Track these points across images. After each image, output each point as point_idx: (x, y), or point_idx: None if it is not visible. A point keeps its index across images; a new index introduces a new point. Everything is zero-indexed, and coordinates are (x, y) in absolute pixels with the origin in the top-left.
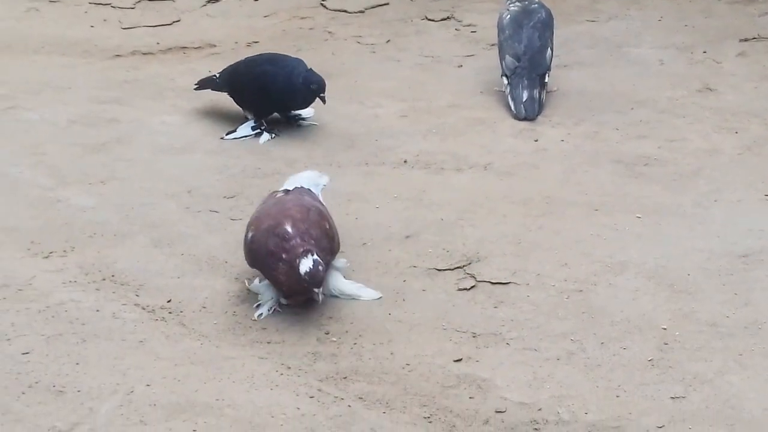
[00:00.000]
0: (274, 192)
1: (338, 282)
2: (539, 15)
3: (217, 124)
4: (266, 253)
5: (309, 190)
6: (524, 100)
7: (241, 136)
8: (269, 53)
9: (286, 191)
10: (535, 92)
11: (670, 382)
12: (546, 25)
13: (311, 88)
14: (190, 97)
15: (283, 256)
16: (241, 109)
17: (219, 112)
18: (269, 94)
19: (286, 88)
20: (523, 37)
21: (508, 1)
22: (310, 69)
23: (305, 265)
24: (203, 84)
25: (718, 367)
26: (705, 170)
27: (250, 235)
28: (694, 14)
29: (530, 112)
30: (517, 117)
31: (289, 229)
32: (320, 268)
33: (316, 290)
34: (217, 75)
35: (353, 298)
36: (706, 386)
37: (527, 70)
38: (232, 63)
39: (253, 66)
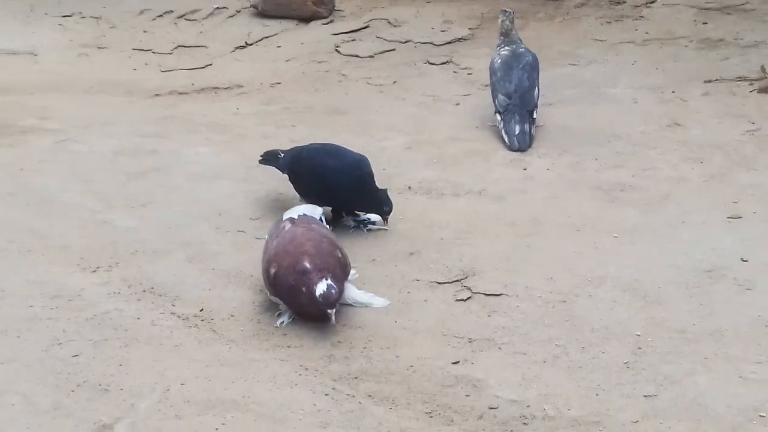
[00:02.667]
0: (280, 221)
1: (351, 292)
2: (527, 58)
3: (244, 154)
4: (288, 286)
5: (313, 218)
6: (516, 133)
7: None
8: (332, 145)
9: (292, 219)
10: (526, 126)
11: (643, 382)
12: (533, 68)
13: (384, 210)
14: (220, 131)
15: (303, 289)
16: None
17: (244, 144)
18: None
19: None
20: (513, 77)
21: (499, 47)
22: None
23: (320, 288)
24: (267, 158)
25: (686, 369)
26: (674, 196)
27: (272, 271)
28: (664, 59)
29: (522, 145)
30: (511, 149)
31: (308, 265)
32: (333, 291)
33: (329, 311)
34: (281, 153)
35: (365, 306)
36: (675, 386)
37: (518, 107)
38: (297, 146)
39: (315, 156)
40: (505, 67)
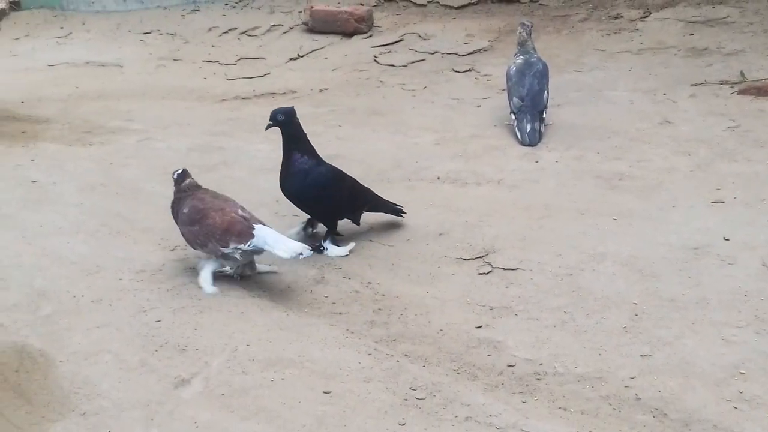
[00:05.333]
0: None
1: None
2: (538, 66)
3: None
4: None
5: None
6: (528, 131)
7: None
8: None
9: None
10: (536, 125)
11: (639, 344)
12: (543, 74)
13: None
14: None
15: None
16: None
17: None
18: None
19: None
20: (525, 83)
21: (514, 56)
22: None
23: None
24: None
25: (676, 333)
26: (665, 183)
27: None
28: (656, 66)
29: (533, 140)
30: (523, 144)
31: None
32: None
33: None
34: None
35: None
36: (667, 347)
37: (530, 108)
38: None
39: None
40: (519, 74)
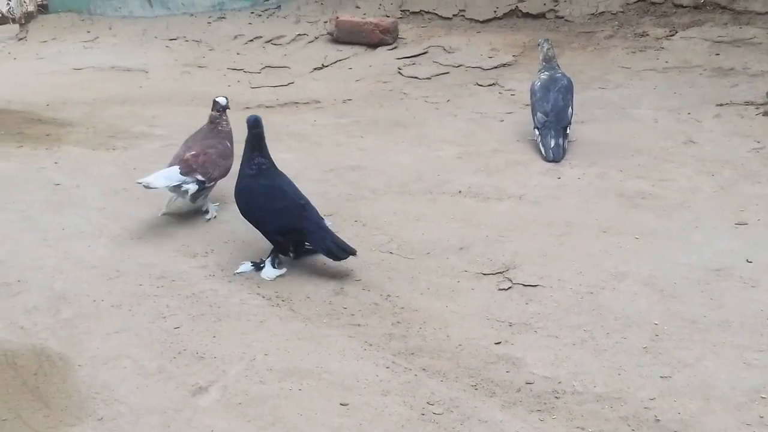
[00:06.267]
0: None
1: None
2: (562, 82)
3: (319, 160)
4: None
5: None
6: (552, 146)
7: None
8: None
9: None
10: (560, 140)
11: (659, 365)
12: (567, 90)
13: None
14: (300, 139)
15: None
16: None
17: (320, 151)
18: None
19: None
20: (550, 98)
21: (539, 72)
22: None
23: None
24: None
25: (697, 355)
26: (688, 203)
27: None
28: (681, 85)
29: (556, 156)
30: (546, 159)
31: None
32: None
33: None
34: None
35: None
36: (687, 369)
37: (554, 124)
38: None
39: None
40: (544, 90)
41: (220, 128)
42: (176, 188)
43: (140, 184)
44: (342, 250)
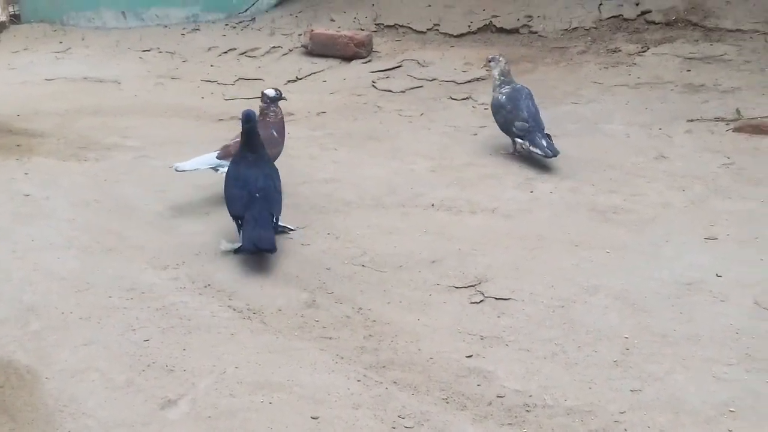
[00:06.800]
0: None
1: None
2: (525, 91)
3: (293, 172)
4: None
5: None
6: (546, 145)
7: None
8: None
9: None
10: (549, 139)
11: (630, 378)
12: (532, 97)
13: None
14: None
15: None
16: None
17: (294, 163)
18: None
19: None
20: (522, 106)
21: (499, 88)
22: None
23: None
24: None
25: (667, 368)
26: (659, 218)
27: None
28: (652, 100)
29: (554, 151)
30: (546, 157)
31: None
32: None
33: None
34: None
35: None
36: (657, 382)
37: (535, 128)
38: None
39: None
40: (512, 101)
41: (268, 119)
42: (212, 170)
43: (172, 168)
44: (252, 244)
